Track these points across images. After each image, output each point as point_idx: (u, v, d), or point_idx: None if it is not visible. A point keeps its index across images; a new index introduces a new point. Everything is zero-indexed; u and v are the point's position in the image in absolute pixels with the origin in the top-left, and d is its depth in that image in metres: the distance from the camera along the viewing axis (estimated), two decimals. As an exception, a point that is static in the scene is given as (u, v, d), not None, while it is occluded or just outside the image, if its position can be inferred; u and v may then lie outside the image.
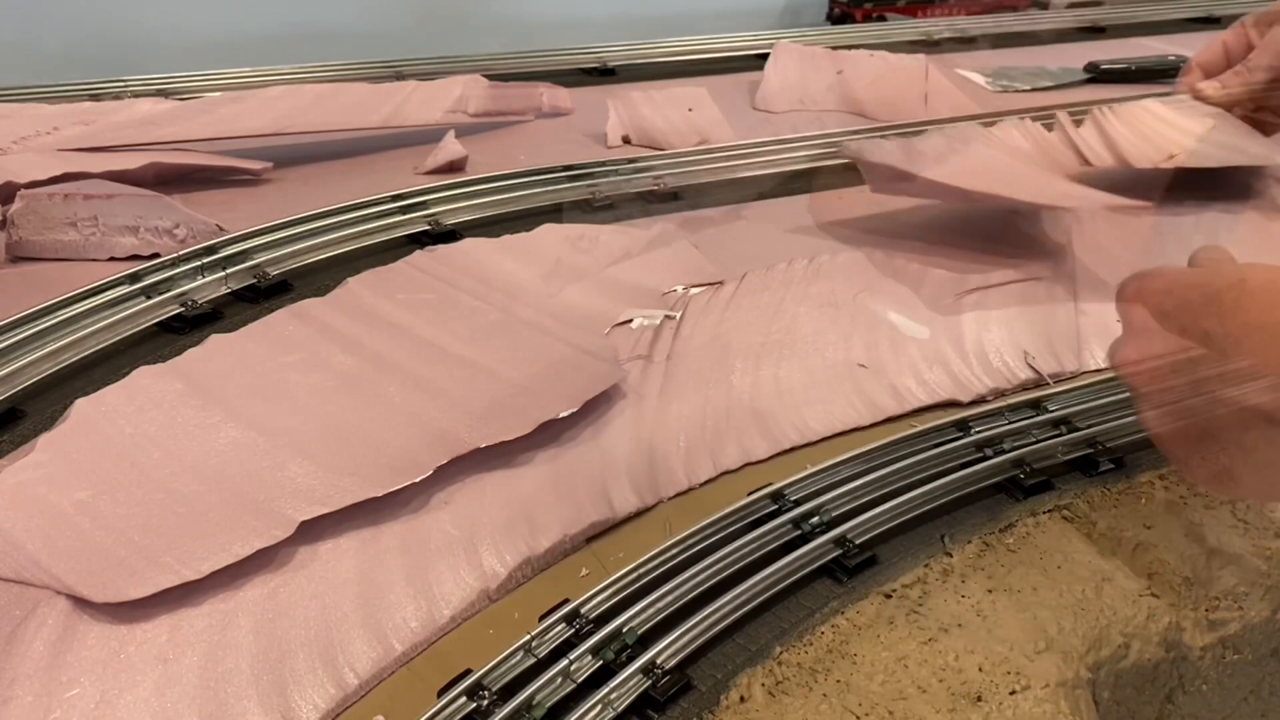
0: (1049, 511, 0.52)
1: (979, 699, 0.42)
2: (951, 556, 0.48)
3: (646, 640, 0.42)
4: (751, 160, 0.86)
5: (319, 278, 0.67)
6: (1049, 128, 0.83)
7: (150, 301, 0.62)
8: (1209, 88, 0.81)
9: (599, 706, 0.40)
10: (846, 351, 0.60)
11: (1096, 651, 0.46)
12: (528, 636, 0.42)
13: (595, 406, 0.54)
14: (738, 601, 0.45)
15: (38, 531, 0.44)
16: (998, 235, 0.74)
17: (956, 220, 0.76)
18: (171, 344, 0.60)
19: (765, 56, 1.10)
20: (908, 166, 0.75)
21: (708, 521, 0.48)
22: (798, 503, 0.49)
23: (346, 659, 0.41)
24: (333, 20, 1.68)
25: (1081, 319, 0.65)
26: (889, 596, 0.46)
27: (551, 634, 0.42)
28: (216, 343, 0.57)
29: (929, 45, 1.23)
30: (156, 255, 0.67)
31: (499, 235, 0.70)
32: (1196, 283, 0.41)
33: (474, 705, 0.39)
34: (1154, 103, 0.83)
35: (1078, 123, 0.84)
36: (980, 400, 0.59)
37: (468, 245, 0.69)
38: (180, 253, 0.66)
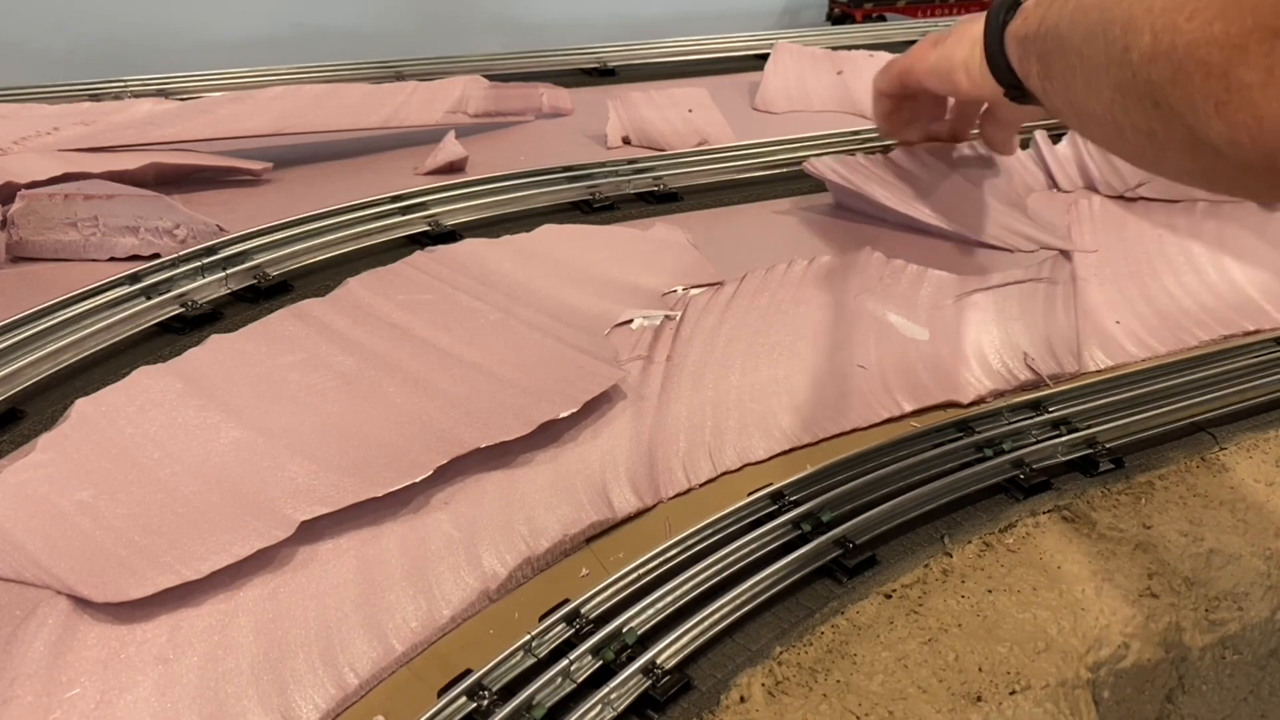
0: (1049, 511, 0.52)
1: (979, 699, 0.42)
2: (951, 556, 0.48)
3: (646, 640, 0.42)
4: (751, 161, 0.86)
5: (319, 278, 0.67)
6: (1024, 144, 0.83)
7: (150, 302, 0.62)
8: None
9: (599, 706, 0.40)
10: (846, 352, 0.60)
11: (1096, 651, 0.46)
12: (528, 636, 0.42)
13: (595, 406, 0.54)
14: (738, 601, 0.45)
15: (38, 531, 0.44)
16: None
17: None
18: (172, 344, 0.60)
19: (765, 57, 1.10)
20: (863, 189, 0.75)
21: (708, 521, 0.48)
22: (798, 503, 0.49)
23: (346, 659, 0.41)
24: (333, 20, 1.68)
25: (1081, 320, 0.65)
26: (889, 596, 0.46)
27: (551, 634, 0.42)
28: (217, 343, 0.57)
29: (929, 46, 1.23)
30: (157, 255, 0.67)
31: (499, 236, 0.70)
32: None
33: (474, 705, 0.39)
34: None
35: (1055, 139, 0.84)
36: (980, 401, 0.59)
37: (467, 246, 0.69)
38: (180, 253, 0.66)
